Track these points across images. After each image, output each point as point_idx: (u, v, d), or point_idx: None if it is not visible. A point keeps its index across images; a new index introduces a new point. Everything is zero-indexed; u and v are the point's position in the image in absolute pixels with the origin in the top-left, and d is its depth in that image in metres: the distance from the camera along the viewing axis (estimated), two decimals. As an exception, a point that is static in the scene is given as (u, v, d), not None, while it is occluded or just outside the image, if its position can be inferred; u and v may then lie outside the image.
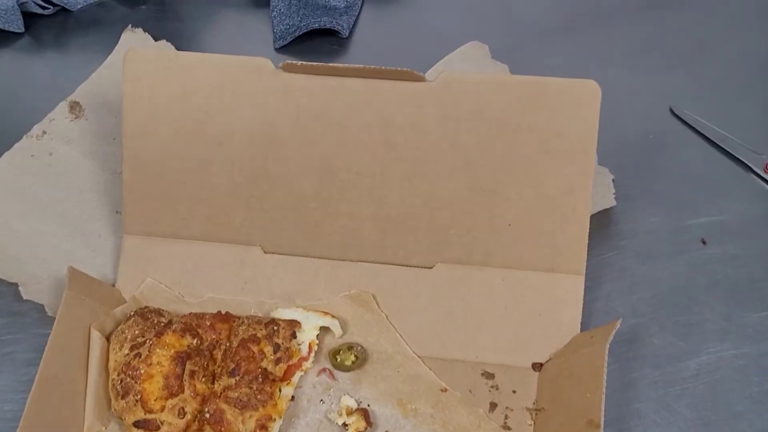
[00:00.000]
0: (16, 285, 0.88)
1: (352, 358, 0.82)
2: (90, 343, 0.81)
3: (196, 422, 0.77)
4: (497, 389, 0.82)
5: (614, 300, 0.89)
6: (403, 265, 0.87)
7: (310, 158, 0.86)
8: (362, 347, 0.83)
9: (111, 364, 0.80)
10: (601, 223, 0.90)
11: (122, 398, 0.77)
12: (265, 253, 0.88)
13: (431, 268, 0.87)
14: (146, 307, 0.85)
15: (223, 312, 0.84)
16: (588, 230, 0.84)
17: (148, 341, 0.79)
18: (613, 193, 0.94)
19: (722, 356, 0.86)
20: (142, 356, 0.78)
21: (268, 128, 0.86)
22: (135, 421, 0.76)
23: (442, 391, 0.81)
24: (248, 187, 0.87)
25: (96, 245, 0.92)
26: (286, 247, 0.88)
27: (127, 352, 0.79)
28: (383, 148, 0.84)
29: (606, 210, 0.93)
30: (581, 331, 0.83)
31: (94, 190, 0.96)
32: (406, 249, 0.87)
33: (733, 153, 1.00)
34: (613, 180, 0.95)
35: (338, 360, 0.83)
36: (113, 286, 0.89)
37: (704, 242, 0.93)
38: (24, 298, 0.87)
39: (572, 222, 0.83)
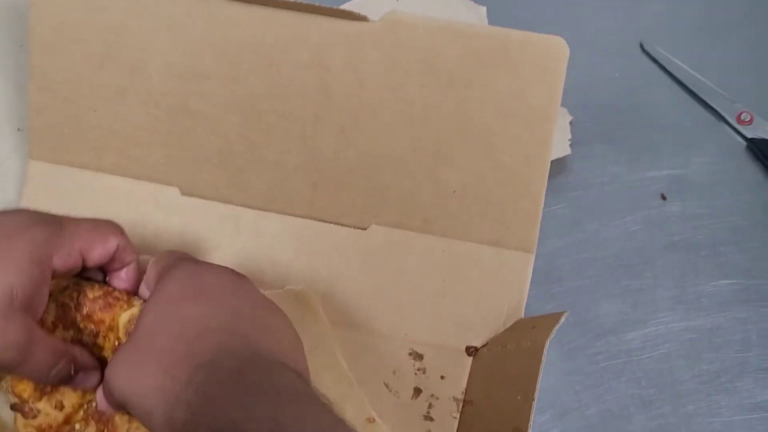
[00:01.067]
0: None
1: None
2: None
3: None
4: (424, 373, 0.74)
5: (559, 258, 0.81)
6: (334, 223, 0.78)
7: (236, 96, 0.75)
8: None
9: None
10: (551, 170, 0.79)
11: None
12: (183, 195, 0.79)
13: (365, 229, 0.77)
14: None
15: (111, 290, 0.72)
16: (542, 205, 0.74)
17: None
18: (569, 140, 0.85)
19: (672, 328, 0.79)
20: None
21: (189, 59, 0.75)
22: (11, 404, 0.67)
23: (368, 420, 0.72)
24: (166, 122, 0.76)
25: (-5, 167, 0.82)
26: (207, 191, 0.78)
27: None
28: (318, 93, 0.74)
29: (559, 158, 0.84)
30: (524, 315, 0.74)
31: (-5, 102, 0.85)
32: (339, 206, 0.77)
33: (706, 99, 0.90)
34: (570, 122, 0.85)
35: None
36: (14, 216, 0.79)
37: (664, 198, 0.85)
38: None
39: (525, 195, 0.74)
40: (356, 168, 0.76)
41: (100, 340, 0.66)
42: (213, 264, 0.62)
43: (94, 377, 0.63)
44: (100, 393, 0.61)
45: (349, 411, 0.72)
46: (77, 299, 0.65)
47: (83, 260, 0.62)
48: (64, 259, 0.60)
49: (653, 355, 0.77)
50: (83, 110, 0.77)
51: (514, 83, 0.71)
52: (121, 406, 0.56)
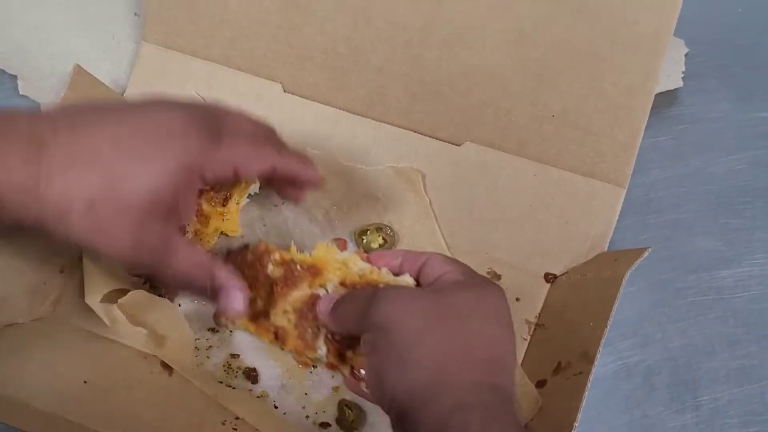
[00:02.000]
0: (15, 78, 0.82)
1: (380, 240, 0.75)
2: None
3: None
4: (500, 293, 0.74)
5: (659, 189, 0.80)
6: (429, 137, 0.78)
7: (348, -2, 0.75)
8: (392, 230, 0.75)
9: None
10: (660, 102, 0.79)
11: None
12: (285, 92, 0.80)
13: (459, 145, 0.77)
14: None
15: None
16: (641, 139, 0.72)
17: None
18: (682, 72, 0.83)
19: (766, 270, 0.77)
20: None
21: (305, -46, 0.75)
22: None
23: None
24: (276, 16, 0.77)
25: (108, 47, 0.85)
26: (308, 90, 0.79)
27: None
28: (429, 3, 0.73)
29: (669, 90, 0.83)
30: (608, 249, 0.74)
31: (115, -14, 0.88)
32: (435, 119, 0.77)
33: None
34: (686, 55, 0.83)
35: (364, 241, 0.75)
36: (122, 95, 0.82)
37: None
38: (20, 93, 0.81)
39: (625, 127, 0.72)
40: (457, 82, 0.75)
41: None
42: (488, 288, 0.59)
43: (236, 300, 0.61)
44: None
45: None
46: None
47: (235, 174, 0.59)
48: (216, 172, 0.58)
49: (745, 295, 0.76)
50: (198, -3, 0.79)
51: (628, 11, 0.70)
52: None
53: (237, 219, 0.73)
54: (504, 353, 0.54)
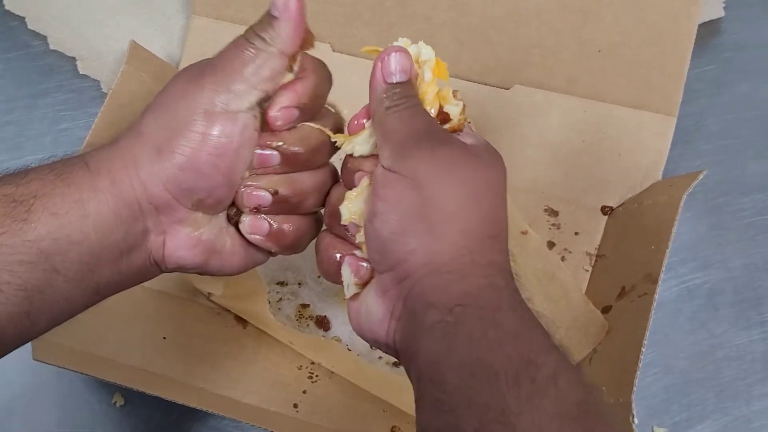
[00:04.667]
0: (74, 60, 0.85)
1: None
2: None
3: None
4: (558, 228, 0.75)
5: (708, 117, 0.81)
6: (479, 83, 0.79)
7: (390, -49, 0.77)
8: None
9: None
10: (704, 33, 0.79)
11: None
12: (334, 51, 0.82)
13: (508, 89, 0.79)
14: None
15: None
16: (687, 67, 0.74)
17: None
18: (723, 2, 0.84)
19: None
20: None
21: None
22: None
23: (522, 233, 0.74)
24: (322, -23, 0.80)
25: (161, 24, 0.88)
26: (356, 47, 0.81)
27: None
28: (470, -53, 0.75)
29: (711, 21, 0.83)
30: (663, 178, 0.75)
31: (164, -35, 0.91)
32: (484, 64, 0.79)
33: None
34: (726, -17, 0.85)
35: None
36: (177, 68, 0.84)
37: None
38: (80, 73, 0.84)
39: (671, 56, 0.74)
40: (502, 25, 0.77)
41: None
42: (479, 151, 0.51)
43: None
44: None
45: None
46: None
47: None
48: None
49: (801, 212, 0.77)
50: (244, -34, 0.81)
51: (667, -60, 0.71)
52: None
53: None
54: (507, 234, 0.50)
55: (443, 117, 0.52)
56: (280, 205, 0.54)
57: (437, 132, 0.50)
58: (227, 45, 0.55)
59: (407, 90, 0.51)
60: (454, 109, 0.52)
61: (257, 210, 0.54)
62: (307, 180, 0.54)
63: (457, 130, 0.52)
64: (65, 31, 0.87)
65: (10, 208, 0.46)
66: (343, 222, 0.53)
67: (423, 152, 0.48)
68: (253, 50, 0.52)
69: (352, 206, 0.52)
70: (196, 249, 0.53)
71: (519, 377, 0.41)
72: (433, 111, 0.52)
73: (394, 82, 0.51)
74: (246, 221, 0.54)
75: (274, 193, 0.53)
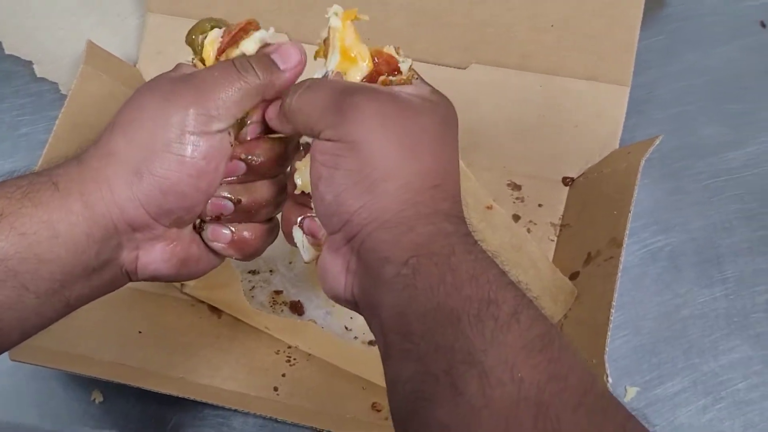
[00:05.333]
0: (31, 63, 0.85)
1: None
2: None
3: None
4: (522, 201, 0.77)
5: (660, 87, 0.83)
6: (436, 64, 0.81)
7: (341, -63, 0.78)
8: None
9: None
10: (651, 5, 0.80)
11: None
12: (291, 41, 0.82)
13: (465, 68, 0.80)
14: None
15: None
16: (637, 37, 0.76)
17: None
18: None
19: None
20: None
21: None
22: None
23: (487, 208, 0.75)
24: (274, -33, 0.81)
25: (115, 24, 0.88)
26: (312, 36, 0.80)
27: None
28: (420, -68, 0.77)
29: (656, -7, 0.86)
30: (620, 146, 0.77)
31: (115, -36, 0.91)
32: (440, 46, 0.80)
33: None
34: (668, -44, 0.87)
35: None
36: (134, 66, 0.85)
37: (763, 25, 0.85)
38: (38, 76, 0.84)
39: (621, 26, 0.76)
40: (456, 5, 0.78)
41: None
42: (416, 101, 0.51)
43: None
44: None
45: (470, 201, 0.73)
46: None
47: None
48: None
49: (756, 171, 0.79)
50: (197, -40, 0.82)
51: None
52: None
53: None
54: (458, 183, 0.51)
55: (391, 70, 0.53)
56: (241, 214, 0.55)
57: (359, 89, 0.50)
58: (212, 66, 0.55)
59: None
60: (403, 65, 0.53)
61: (218, 218, 0.54)
62: (266, 189, 0.55)
63: (406, 84, 0.52)
64: (20, 35, 0.86)
65: None
66: (297, 192, 0.54)
67: (350, 113, 0.48)
68: (243, 82, 0.52)
69: (303, 176, 0.53)
70: (170, 261, 0.54)
71: (481, 316, 0.42)
72: (365, 65, 0.54)
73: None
74: (208, 229, 0.55)
75: (237, 202, 0.54)
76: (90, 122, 0.76)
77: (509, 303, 0.43)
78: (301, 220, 0.54)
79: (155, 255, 0.53)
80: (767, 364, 0.72)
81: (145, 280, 0.55)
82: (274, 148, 0.55)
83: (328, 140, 0.48)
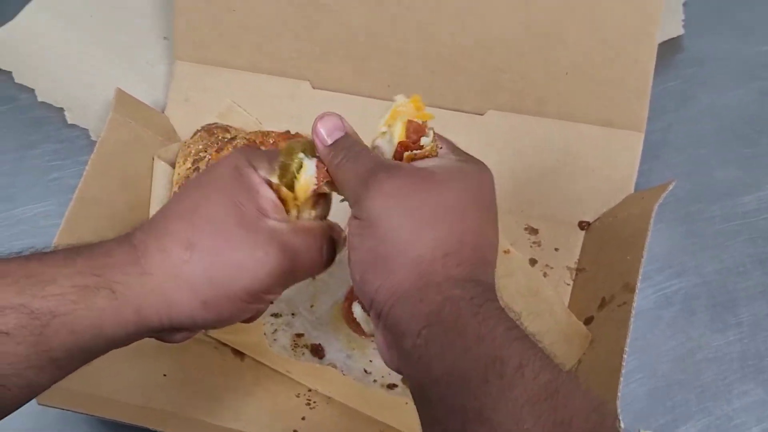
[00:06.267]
0: (62, 110, 0.88)
1: None
2: (154, 171, 0.82)
3: None
4: (539, 245, 0.79)
5: (675, 130, 0.85)
6: (454, 110, 0.83)
7: (360, -13, 0.81)
8: None
9: (174, 177, 0.80)
10: (665, 50, 0.82)
11: None
12: (314, 88, 0.85)
13: (482, 114, 0.82)
14: (214, 123, 0.84)
15: (292, 132, 0.82)
16: (651, 83, 0.77)
17: (207, 156, 0.78)
18: (682, 20, 0.88)
19: None
20: (200, 170, 0.77)
21: (316, -46, 0.81)
22: None
23: (504, 252, 0.76)
24: (297, 16, 0.83)
25: (144, 72, 0.91)
26: (335, 83, 0.85)
27: (189, 166, 0.78)
28: (436, -19, 0.79)
29: (672, 38, 0.87)
30: (635, 191, 0.78)
31: (143, 15, 0.94)
32: (457, 92, 0.82)
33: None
34: (684, 3, 0.88)
35: None
36: (162, 112, 0.87)
37: None
38: (69, 123, 0.87)
39: (634, 73, 0.77)
40: (473, 53, 0.80)
41: None
42: (443, 172, 0.52)
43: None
44: None
45: None
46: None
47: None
48: (267, 166, 0.56)
49: (769, 216, 0.80)
50: (222, 10, 0.84)
51: (623, -37, 0.74)
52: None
53: None
54: (491, 247, 0.52)
55: (419, 137, 0.55)
56: None
57: (383, 166, 0.52)
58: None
59: (345, 143, 0.55)
60: (424, 139, 0.55)
61: None
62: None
63: (430, 156, 0.54)
64: (51, 82, 0.90)
65: (27, 319, 0.47)
66: None
67: (372, 192, 0.50)
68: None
69: None
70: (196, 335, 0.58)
71: (488, 376, 0.43)
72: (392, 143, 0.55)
73: (330, 143, 0.55)
74: None
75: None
76: (118, 167, 0.79)
77: (515, 358, 0.44)
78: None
79: (185, 335, 0.57)
80: (781, 408, 0.73)
81: None
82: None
83: (356, 218, 0.51)
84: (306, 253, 0.55)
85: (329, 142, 0.55)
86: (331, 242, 0.57)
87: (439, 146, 0.55)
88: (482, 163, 0.55)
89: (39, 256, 0.50)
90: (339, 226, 0.59)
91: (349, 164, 0.53)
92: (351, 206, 0.53)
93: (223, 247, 0.52)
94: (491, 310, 0.47)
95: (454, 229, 0.50)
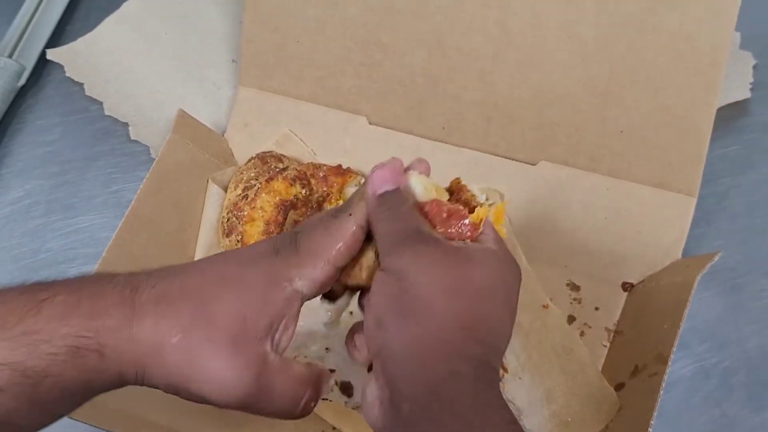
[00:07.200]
0: (127, 125, 0.90)
1: None
2: (207, 194, 0.84)
3: None
4: (579, 303, 0.78)
5: (731, 197, 0.83)
6: (506, 158, 0.82)
7: (423, 31, 0.81)
8: None
9: (225, 202, 0.82)
10: (730, 112, 0.81)
11: (227, 236, 0.79)
12: (370, 123, 0.86)
13: (534, 165, 0.81)
14: (269, 151, 0.85)
15: (344, 166, 0.83)
16: (707, 149, 0.75)
17: (257, 185, 0.79)
18: (750, 83, 0.86)
19: None
20: (249, 198, 0.78)
21: (382, -6, 0.81)
22: None
23: (543, 307, 0.77)
24: (359, 53, 0.84)
25: (209, 93, 0.92)
26: (390, 121, 0.85)
27: (239, 192, 0.80)
28: (498, 31, 0.78)
29: (737, 102, 0.85)
30: (684, 256, 0.76)
31: (215, 36, 0.96)
32: (510, 141, 0.81)
33: None
34: (754, 66, 0.86)
35: None
36: (222, 135, 0.89)
37: None
38: (132, 138, 0.89)
39: (691, 139, 0.76)
40: (529, 104, 0.80)
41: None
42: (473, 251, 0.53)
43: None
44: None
45: (526, 299, 0.74)
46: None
47: (333, 269, 0.55)
48: (310, 279, 0.54)
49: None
50: (288, 40, 0.86)
51: (685, 26, 0.73)
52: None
53: None
54: (505, 336, 0.52)
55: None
56: None
57: (421, 234, 0.52)
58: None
59: (393, 198, 0.55)
60: (467, 220, 0.54)
61: None
62: None
63: (470, 239, 0.54)
64: (119, 97, 0.92)
65: (20, 377, 0.48)
66: None
67: (405, 249, 0.51)
68: None
69: None
70: None
71: None
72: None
73: (380, 194, 0.55)
74: None
75: None
76: (173, 187, 0.81)
77: None
78: None
79: None
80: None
81: None
82: None
83: (383, 269, 0.52)
84: (279, 397, 0.53)
85: (378, 192, 0.55)
86: (315, 394, 0.55)
87: (483, 231, 0.55)
88: (516, 261, 0.55)
89: (37, 305, 0.50)
90: (329, 374, 0.58)
91: (390, 223, 0.54)
92: (381, 260, 0.53)
93: (206, 350, 0.51)
94: (491, 398, 0.48)
95: (477, 307, 0.50)
